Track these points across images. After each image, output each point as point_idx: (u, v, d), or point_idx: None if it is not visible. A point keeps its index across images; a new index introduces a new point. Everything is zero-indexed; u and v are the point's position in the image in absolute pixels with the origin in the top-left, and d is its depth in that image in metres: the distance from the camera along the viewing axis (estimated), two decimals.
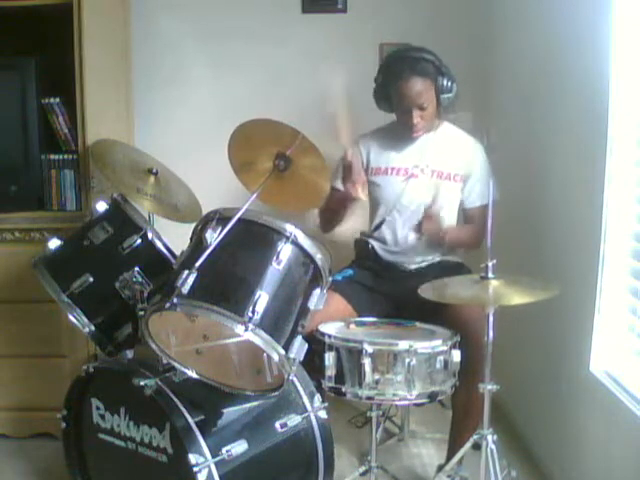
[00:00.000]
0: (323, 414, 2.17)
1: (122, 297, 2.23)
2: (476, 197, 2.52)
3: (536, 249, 2.67)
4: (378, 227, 2.57)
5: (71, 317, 2.23)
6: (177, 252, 2.16)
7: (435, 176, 2.50)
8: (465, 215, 2.57)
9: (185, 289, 1.82)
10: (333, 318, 2.37)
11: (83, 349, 2.66)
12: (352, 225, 2.71)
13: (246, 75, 3.20)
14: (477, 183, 2.51)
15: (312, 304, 1.99)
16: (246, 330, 1.80)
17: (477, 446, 2.11)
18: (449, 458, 2.33)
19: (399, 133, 2.54)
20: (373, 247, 2.57)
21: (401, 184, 2.51)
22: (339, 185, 2.51)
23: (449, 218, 2.52)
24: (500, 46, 3.10)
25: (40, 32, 2.71)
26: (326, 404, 2.18)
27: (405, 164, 2.52)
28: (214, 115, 3.17)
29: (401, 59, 2.44)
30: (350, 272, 2.55)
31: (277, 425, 2.07)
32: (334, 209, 2.52)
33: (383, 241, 2.56)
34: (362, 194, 2.40)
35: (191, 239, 2.04)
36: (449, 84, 2.41)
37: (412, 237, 2.51)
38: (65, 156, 2.71)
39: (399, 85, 2.42)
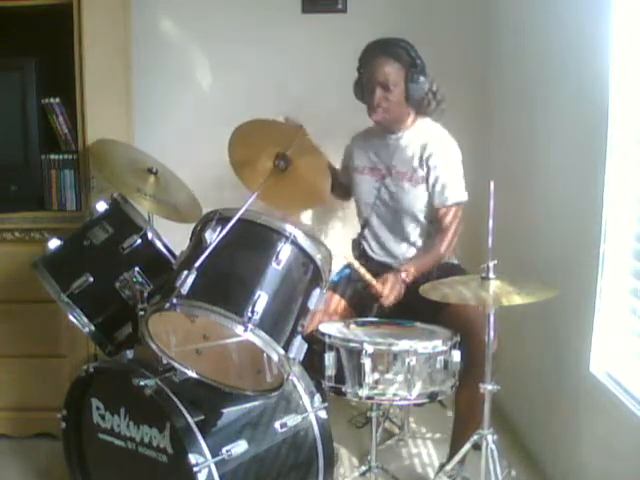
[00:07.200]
0: (323, 414, 2.16)
1: (122, 297, 2.23)
2: (442, 196, 2.44)
3: (536, 249, 2.67)
4: (363, 228, 2.60)
5: (71, 317, 2.23)
6: (177, 252, 2.16)
7: (399, 178, 2.49)
8: (436, 215, 2.49)
9: (184, 289, 1.82)
10: (331, 318, 2.37)
11: (83, 349, 2.66)
12: (351, 225, 2.74)
13: (246, 75, 3.20)
14: (443, 181, 2.43)
15: (312, 304, 1.99)
16: (245, 330, 1.80)
17: (477, 446, 2.11)
18: (451, 457, 2.33)
19: (378, 132, 2.55)
20: (364, 248, 2.58)
21: (375, 184, 2.52)
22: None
23: (415, 222, 2.50)
24: (499, 46, 3.10)
25: (40, 32, 2.71)
26: (326, 404, 2.18)
27: (377, 164, 2.53)
28: (214, 115, 3.17)
29: (375, 43, 2.44)
30: (347, 271, 2.55)
31: (277, 425, 2.07)
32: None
33: (370, 245, 2.58)
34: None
35: (191, 239, 2.04)
36: (419, 77, 2.38)
37: (392, 240, 2.54)
38: (65, 156, 2.71)
39: (368, 65, 2.42)
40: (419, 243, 2.54)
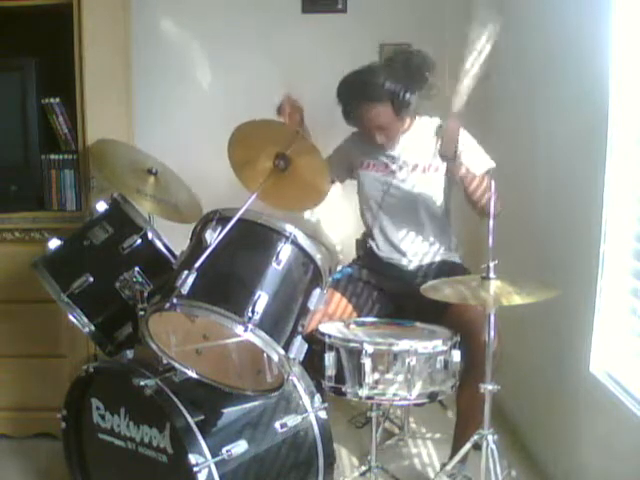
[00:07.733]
0: (323, 414, 2.16)
1: (122, 297, 2.24)
2: (474, 169, 2.37)
3: (537, 249, 2.67)
4: (369, 226, 2.57)
5: (71, 317, 2.23)
6: (177, 252, 2.16)
7: (412, 170, 2.46)
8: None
9: (185, 289, 1.82)
10: (332, 317, 2.37)
11: (83, 349, 2.66)
12: (353, 225, 2.74)
13: (246, 75, 3.20)
14: (468, 156, 2.36)
15: (312, 304, 1.99)
16: (245, 330, 1.80)
17: (478, 446, 2.11)
18: (452, 457, 2.33)
19: None
20: (371, 247, 2.57)
21: (382, 179, 2.49)
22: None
23: (433, 209, 2.48)
24: (500, 46, 3.09)
25: (40, 32, 2.71)
26: (326, 404, 2.18)
27: (384, 159, 2.50)
28: (214, 115, 3.17)
29: (351, 85, 2.40)
30: (349, 270, 2.55)
31: (277, 425, 2.07)
32: None
33: (377, 243, 2.56)
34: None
35: (191, 239, 2.04)
36: (405, 98, 2.35)
37: (402, 235, 2.51)
38: (65, 156, 2.71)
39: (355, 109, 2.40)
40: (431, 236, 2.50)
